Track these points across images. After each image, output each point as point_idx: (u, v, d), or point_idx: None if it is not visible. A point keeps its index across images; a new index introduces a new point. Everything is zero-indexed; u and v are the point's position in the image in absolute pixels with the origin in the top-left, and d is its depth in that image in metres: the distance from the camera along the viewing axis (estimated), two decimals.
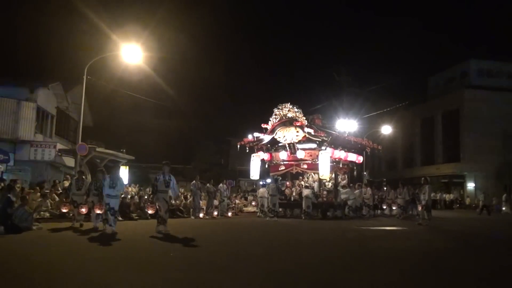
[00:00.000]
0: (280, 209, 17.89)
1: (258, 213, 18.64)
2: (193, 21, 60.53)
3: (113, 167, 11.45)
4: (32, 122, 20.28)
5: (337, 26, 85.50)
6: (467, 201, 35.34)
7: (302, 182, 19.56)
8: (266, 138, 19.19)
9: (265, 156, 20.08)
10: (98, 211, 10.54)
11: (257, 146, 19.88)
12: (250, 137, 20.10)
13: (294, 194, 19.09)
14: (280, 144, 19.32)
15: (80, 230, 10.97)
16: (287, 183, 20.27)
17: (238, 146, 20.33)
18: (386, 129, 37.61)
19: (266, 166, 20.58)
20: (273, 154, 19.95)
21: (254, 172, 19.89)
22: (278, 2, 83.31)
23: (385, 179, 33.92)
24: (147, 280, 5.24)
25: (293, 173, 20.24)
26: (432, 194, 30.34)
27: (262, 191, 18.10)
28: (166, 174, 10.48)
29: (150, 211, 10.36)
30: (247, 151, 20.21)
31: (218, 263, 6.46)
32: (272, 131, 18.84)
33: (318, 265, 6.38)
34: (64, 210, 12.61)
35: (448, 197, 34.93)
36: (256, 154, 20.01)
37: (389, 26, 78.24)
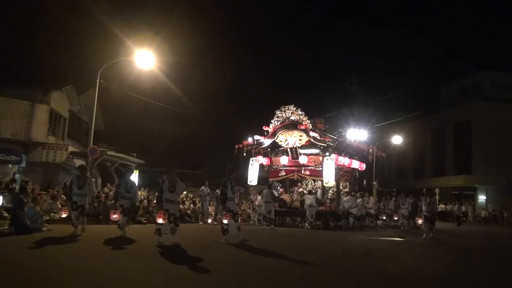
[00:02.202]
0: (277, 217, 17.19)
1: (252, 221, 17.40)
2: (205, 28, 60.93)
3: (170, 168, 9.63)
4: (45, 124, 20.57)
5: (349, 36, 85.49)
6: (483, 213, 34.78)
7: (301, 189, 18.70)
8: (266, 142, 18.24)
9: (264, 160, 19.08)
10: (161, 221, 8.87)
11: (255, 149, 18.86)
12: (250, 140, 19.04)
13: (294, 201, 18.14)
14: (280, 149, 18.49)
15: (92, 232, 10.98)
16: (280, 189, 19.28)
17: (236, 149, 19.20)
18: (397, 139, 37.40)
19: (265, 171, 19.53)
20: (273, 158, 19.06)
21: (253, 177, 18.81)
22: (290, 11, 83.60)
23: (394, 189, 33.69)
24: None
25: (294, 179, 19.22)
26: (441, 206, 30.18)
27: (260, 198, 17.08)
28: (232, 180, 9.92)
29: (225, 221, 9.39)
30: (245, 154, 19.13)
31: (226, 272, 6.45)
32: (273, 134, 17.92)
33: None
34: (63, 215, 11.31)
35: (463, 209, 34.41)
36: (255, 158, 18.96)
37: (402, 36, 78.06)
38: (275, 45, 79.96)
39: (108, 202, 15.53)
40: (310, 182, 18.82)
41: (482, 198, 38.10)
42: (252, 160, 18.91)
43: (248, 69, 66.77)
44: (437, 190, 35.26)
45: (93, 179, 19.89)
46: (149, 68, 19.07)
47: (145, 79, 23.25)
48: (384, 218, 20.00)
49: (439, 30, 76.14)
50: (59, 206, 13.97)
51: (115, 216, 10.47)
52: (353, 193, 18.53)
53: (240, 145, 18.94)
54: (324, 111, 36.32)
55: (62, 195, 15.09)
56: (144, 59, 18.18)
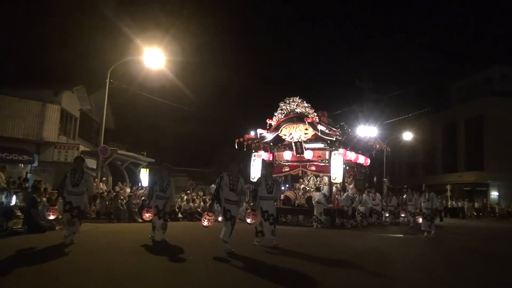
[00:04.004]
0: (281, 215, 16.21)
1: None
2: (214, 26, 61.00)
3: (231, 162, 8.51)
4: (56, 124, 20.80)
5: (358, 31, 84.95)
6: (497, 209, 34.46)
7: (303, 185, 17.76)
8: (269, 136, 17.08)
9: (266, 156, 17.98)
10: (206, 223, 7.88)
11: (256, 144, 17.74)
12: (252, 133, 17.60)
13: (297, 198, 17.01)
14: (284, 143, 17.51)
15: (103, 231, 11.02)
16: (288, 192, 17.79)
17: (236, 143, 17.70)
18: (407, 136, 37.13)
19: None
20: (276, 153, 17.93)
21: (256, 174, 17.41)
22: (298, 8, 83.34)
23: (405, 186, 33.46)
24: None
25: (298, 175, 18.19)
26: (444, 201, 29.78)
27: None
28: (269, 178, 8.88)
29: (249, 220, 8.50)
30: (245, 149, 17.76)
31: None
32: (277, 128, 16.75)
33: None
34: (51, 217, 9.17)
35: (475, 205, 34.18)
36: (257, 153, 17.89)
37: (412, 31, 77.41)
38: (283, 42, 79.78)
39: (120, 200, 15.64)
40: (312, 178, 17.88)
41: (494, 194, 37.73)
42: (254, 156, 17.94)
43: (256, 66, 66.76)
44: (448, 187, 34.97)
45: (106, 178, 20.25)
46: (159, 67, 19.18)
47: (154, 77, 23.36)
48: (387, 215, 19.31)
49: (450, 24, 75.40)
50: None
51: (147, 215, 9.54)
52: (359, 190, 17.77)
53: (241, 139, 17.66)
54: (334, 108, 36.21)
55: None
56: (154, 58, 18.32)
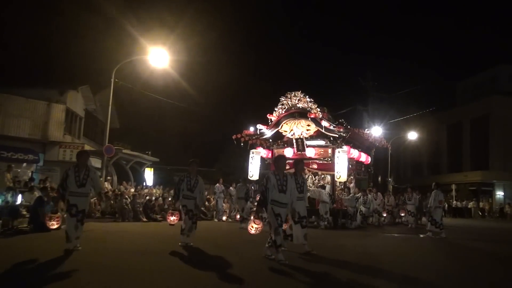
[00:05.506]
0: None
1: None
2: (219, 25, 60.99)
3: (277, 158, 7.85)
4: (61, 124, 20.88)
5: (363, 31, 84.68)
6: (506, 208, 34.27)
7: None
8: (268, 132, 16.45)
9: (265, 153, 17.34)
10: (253, 231, 6.99)
11: (253, 141, 17.14)
12: (252, 129, 16.97)
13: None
14: (284, 140, 16.86)
15: (110, 230, 11.00)
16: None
17: (234, 140, 16.96)
18: (412, 135, 37.01)
19: (266, 164, 17.57)
20: (275, 151, 17.09)
21: (254, 172, 16.80)
22: (305, 8, 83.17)
23: (410, 186, 33.38)
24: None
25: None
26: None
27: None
28: (299, 176, 7.78)
29: (284, 227, 7.30)
30: (242, 145, 17.04)
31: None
32: (277, 123, 16.01)
33: None
34: (54, 226, 8.03)
35: (481, 205, 34.03)
36: (256, 150, 17.20)
37: (417, 30, 77.10)
38: (288, 41, 79.69)
39: (124, 199, 15.66)
40: (310, 176, 17.01)
41: (500, 194, 37.56)
42: (253, 153, 17.20)
43: (261, 65, 66.75)
44: (453, 186, 34.83)
45: (110, 177, 20.30)
46: (163, 66, 19.22)
47: (159, 77, 23.44)
48: (385, 215, 18.82)
49: (455, 23, 75.03)
50: None
51: (172, 218, 8.66)
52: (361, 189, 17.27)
53: (239, 135, 16.82)
54: (338, 107, 36.06)
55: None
56: (158, 57, 18.36)
